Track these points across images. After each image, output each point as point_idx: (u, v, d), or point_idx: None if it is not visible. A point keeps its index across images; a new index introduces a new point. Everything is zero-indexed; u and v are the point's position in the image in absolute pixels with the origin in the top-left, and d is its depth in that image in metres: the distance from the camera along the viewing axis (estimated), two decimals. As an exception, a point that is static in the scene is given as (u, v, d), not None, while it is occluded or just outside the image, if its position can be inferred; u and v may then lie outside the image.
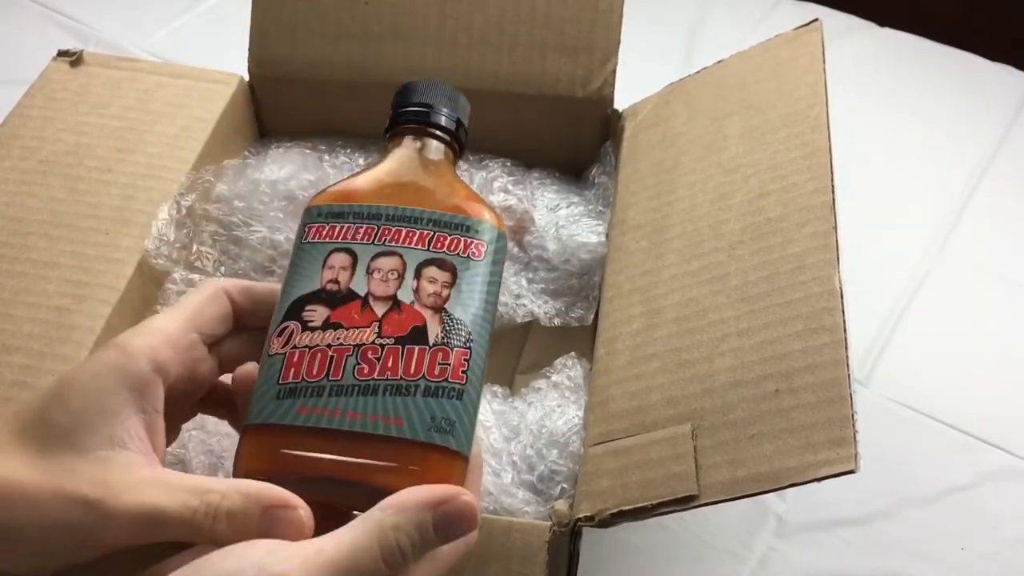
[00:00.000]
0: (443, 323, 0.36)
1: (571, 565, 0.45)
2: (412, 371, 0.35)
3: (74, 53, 0.62)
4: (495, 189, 0.60)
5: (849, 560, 0.57)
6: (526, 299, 0.57)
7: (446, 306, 0.37)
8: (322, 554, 0.30)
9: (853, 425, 0.38)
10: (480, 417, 0.48)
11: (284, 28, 0.63)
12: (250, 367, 0.39)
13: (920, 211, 0.78)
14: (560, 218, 0.59)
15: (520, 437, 0.48)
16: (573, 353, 0.52)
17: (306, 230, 0.39)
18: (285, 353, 0.36)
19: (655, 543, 0.57)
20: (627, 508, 0.41)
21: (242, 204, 0.58)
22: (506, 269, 0.57)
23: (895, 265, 0.73)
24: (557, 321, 0.57)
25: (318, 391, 0.35)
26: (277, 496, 0.32)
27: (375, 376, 0.35)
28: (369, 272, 0.37)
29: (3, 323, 0.49)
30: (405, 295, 0.37)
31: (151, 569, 0.31)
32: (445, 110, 0.42)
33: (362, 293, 0.37)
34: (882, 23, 0.95)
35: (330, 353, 0.36)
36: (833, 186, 0.47)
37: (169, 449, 0.46)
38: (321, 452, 0.34)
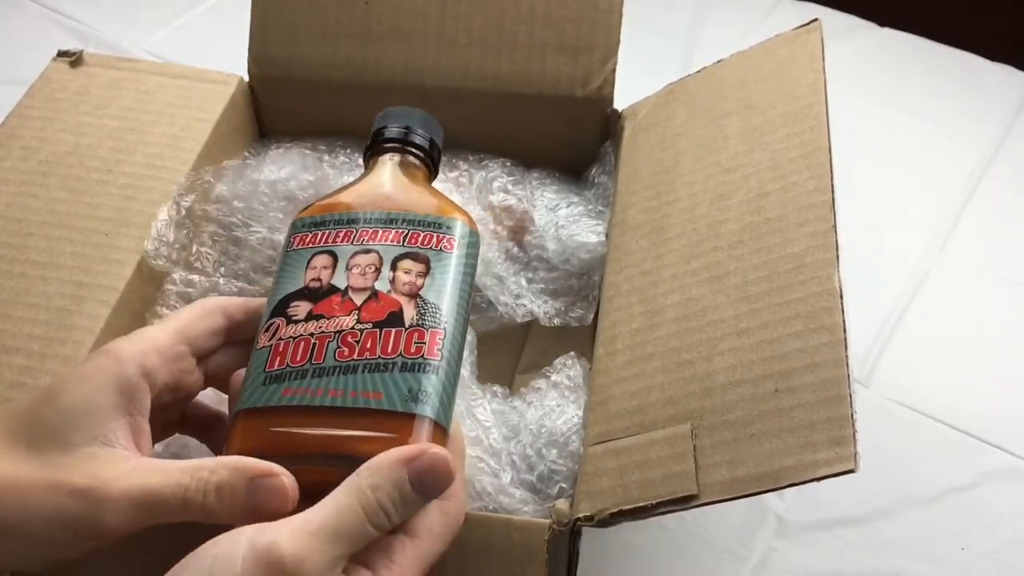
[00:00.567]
0: (418, 307, 0.38)
1: (571, 565, 0.46)
2: (390, 350, 0.37)
3: (74, 53, 0.62)
4: (495, 189, 0.60)
5: (849, 560, 0.57)
6: (526, 299, 0.57)
7: (420, 292, 0.39)
8: (309, 522, 0.32)
9: (853, 424, 0.38)
10: (480, 417, 0.48)
11: (284, 28, 0.63)
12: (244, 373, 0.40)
13: (920, 211, 0.78)
14: (560, 218, 0.59)
15: (520, 437, 0.48)
16: (573, 353, 0.52)
17: (292, 240, 0.42)
18: (271, 345, 0.38)
19: (655, 543, 0.57)
20: (627, 508, 0.41)
21: (242, 205, 0.58)
22: (506, 269, 0.57)
23: (895, 265, 0.73)
24: (557, 321, 0.57)
25: (301, 374, 0.37)
26: (260, 466, 0.34)
27: (355, 357, 0.37)
28: (348, 269, 0.40)
29: (3, 323, 0.49)
30: (382, 285, 0.39)
31: None
32: (420, 131, 0.46)
33: (342, 287, 0.39)
34: (882, 23, 0.95)
35: (312, 340, 0.38)
36: (833, 186, 0.47)
37: (169, 450, 0.46)
38: (305, 428, 0.36)
